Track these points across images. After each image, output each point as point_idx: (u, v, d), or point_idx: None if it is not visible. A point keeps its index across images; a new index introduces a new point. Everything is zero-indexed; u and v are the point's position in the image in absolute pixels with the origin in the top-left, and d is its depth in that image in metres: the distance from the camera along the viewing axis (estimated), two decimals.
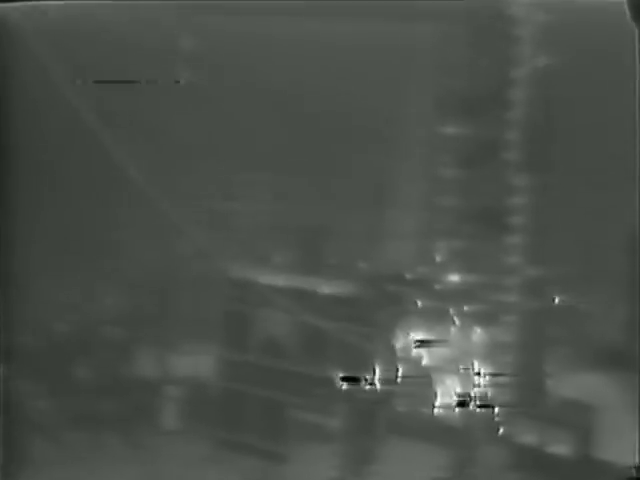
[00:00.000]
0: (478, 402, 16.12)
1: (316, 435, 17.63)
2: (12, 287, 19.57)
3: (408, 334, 17.23)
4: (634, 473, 11.93)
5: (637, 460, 11.92)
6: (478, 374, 16.28)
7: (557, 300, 15.99)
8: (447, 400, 16.47)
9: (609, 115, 14.93)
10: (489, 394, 16.09)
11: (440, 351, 16.79)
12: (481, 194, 16.50)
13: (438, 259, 17.16)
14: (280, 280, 18.88)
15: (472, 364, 16.39)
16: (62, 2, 16.64)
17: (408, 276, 17.62)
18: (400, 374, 17.06)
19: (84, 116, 17.29)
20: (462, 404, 16.22)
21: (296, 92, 18.25)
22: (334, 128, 17.97)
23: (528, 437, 15.45)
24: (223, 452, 18.34)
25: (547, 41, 15.49)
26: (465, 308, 16.74)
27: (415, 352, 17.07)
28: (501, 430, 15.74)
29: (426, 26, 17.08)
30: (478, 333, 16.56)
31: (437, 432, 16.48)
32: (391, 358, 17.30)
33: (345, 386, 17.34)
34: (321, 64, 17.87)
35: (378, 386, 17.19)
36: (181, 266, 19.50)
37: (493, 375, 16.14)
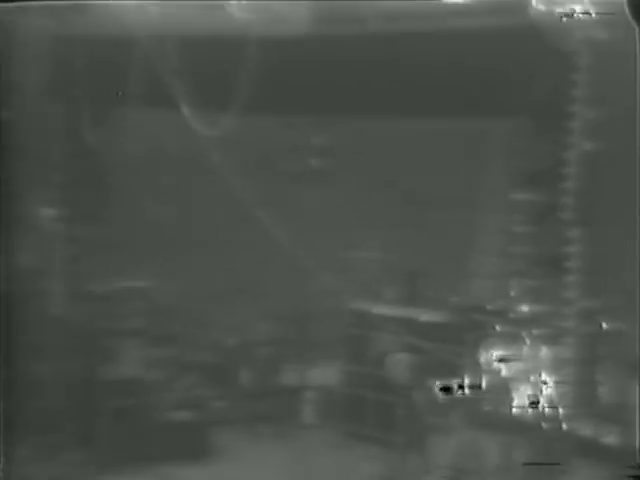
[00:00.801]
0: (546, 404, 15.97)
1: (418, 428, 17.55)
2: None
3: (489, 352, 17.08)
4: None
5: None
6: (545, 382, 16.12)
7: (604, 325, 15.90)
8: (521, 402, 16.28)
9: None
10: (554, 397, 15.94)
11: (515, 365, 16.61)
12: (544, 244, 16.41)
13: (512, 294, 17.09)
14: (389, 310, 18.99)
15: (540, 374, 16.23)
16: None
17: (489, 307, 17.60)
18: (484, 383, 16.87)
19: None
20: (533, 405, 16.08)
21: (400, 174, 18.44)
22: (431, 198, 18.04)
23: (586, 431, 15.44)
24: (350, 441, 18.35)
25: (594, 132, 15.46)
26: (533, 331, 16.58)
27: (495, 365, 16.89)
28: (564, 425, 15.69)
29: (498, 120, 17.21)
30: (544, 351, 16.41)
31: (514, 427, 16.33)
32: (477, 370, 17.12)
33: (442, 393, 17.10)
34: (420, 150, 17.83)
35: (467, 392, 16.96)
36: (314, 301, 19.79)
37: (556, 383, 16.01)
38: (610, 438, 14.61)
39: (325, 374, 19.44)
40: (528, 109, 16.09)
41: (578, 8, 14.38)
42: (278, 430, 18.79)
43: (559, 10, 14.65)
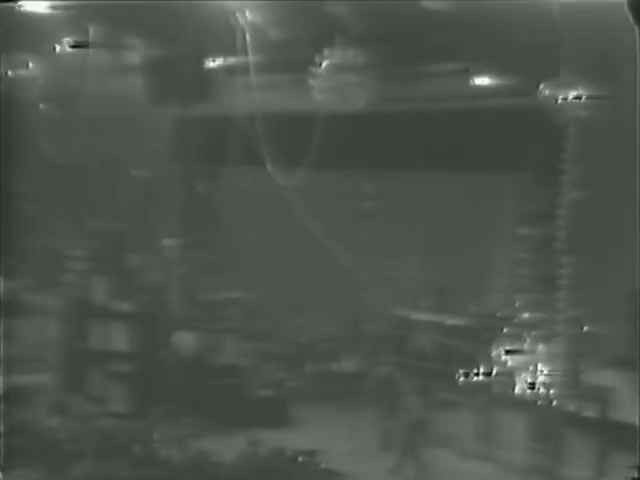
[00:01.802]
0: (541, 387, 15.73)
1: (446, 406, 17.49)
2: None
3: (499, 348, 16.80)
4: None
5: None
6: (540, 371, 15.86)
7: (585, 328, 15.59)
8: (523, 385, 16.03)
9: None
10: (547, 382, 15.68)
11: (518, 357, 16.30)
12: (542, 267, 16.02)
13: (517, 304, 16.68)
14: (423, 316, 19.11)
15: (537, 365, 15.97)
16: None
17: (499, 314, 17.38)
18: (494, 371, 16.69)
19: None
20: (532, 387, 15.82)
21: (433, 214, 18.53)
22: (457, 232, 18.02)
23: (571, 407, 15.05)
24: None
25: (579, 184, 15.14)
26: (532, 333, 16.26)
27: (503, 358, 16.62)
28: (554, 402, 15.38)
29: (508, 175, 16.89)
30: (540, 347, 16.09)
31: (517, 403, 16.08)
32: (489, 361, 16.95)
33: (462, 378, 17.05)
34: (449, 197, 18.16)
35: (481, 379, 16.88)
36: (367, 309, 19.65)
37: (549, 371, 15.73)
38: (589, 412, 14.24)
39: (373, 362, 19.07)
40: (531, 167, 15.89)
41: (572, 94, 14.10)
42: (339, 406, 18.60)
43: (557, 94, 14.40)
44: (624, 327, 14.37)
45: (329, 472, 15.10)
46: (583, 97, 14.23)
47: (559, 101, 14.47)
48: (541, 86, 14.68)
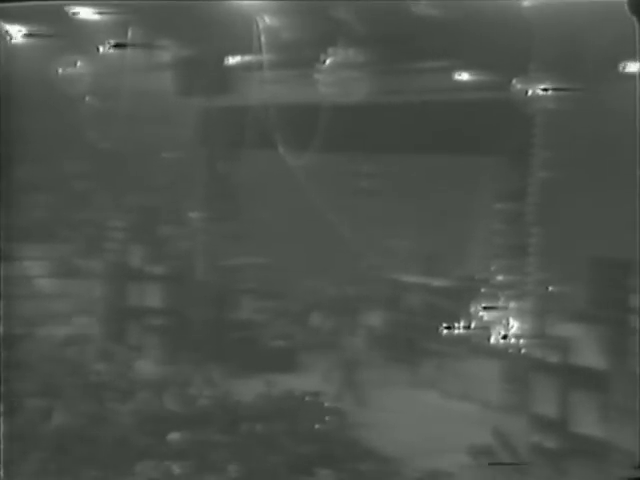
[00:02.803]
0: (512, 337, 15.75)
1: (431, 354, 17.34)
2: None
3: (477, 305, 16.85)
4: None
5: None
6: (512, 325, 15.90)
7: (550, 288, 15.56)
8: (497, 337, 16.08)
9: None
10: (517, 333, 15.68)
11: (493, 313, 16.39)
12: (514, 237, 16.12)
13: (493, 269, 16.79)
14: (414, 279, 18.82)
15: (509, 319, 16.01)
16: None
17: (477, 277, 17.40)
18: (473, 324, 16.75)
19: None
20: (504, 338, 15.87)
21: (422, 192, 18.17)
22: (442, 207, 17.58)
23: (537, 353, 14.56)
24: (386, 363, 17.96)
25: (547, 165, 15.14)
26: (505, 292, 16.34)
27: (481, 313, 16.70)
28: (523, 350, 15.30)
29: (486, 158, 16.85)
30: (512, 305, 16.15)
31: (492, 351, 16.09)
32: (469, 317, 16.98)
33: (446, 331, 16.95)
34: (436, 176, 17.67)
35: (461, 331, 16.87)
36: (364, 273, 19.27)
37: (519, 325, 15.75)
38: (553, 359, 13.74)
39: (372, 318, 19.08)
40: (505, 150, 15.92)
41: (540, 87, 14.15)
42: (339, 354, 17.96)
43: (527, 88, 14.48)
44: (583, 288, 14.19)
45: (331, 409, 15.06)
46: (549, 90, 14.27)
47: (529, 94, 14.53)
48: (514, 81, 14.76)
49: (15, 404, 13.90)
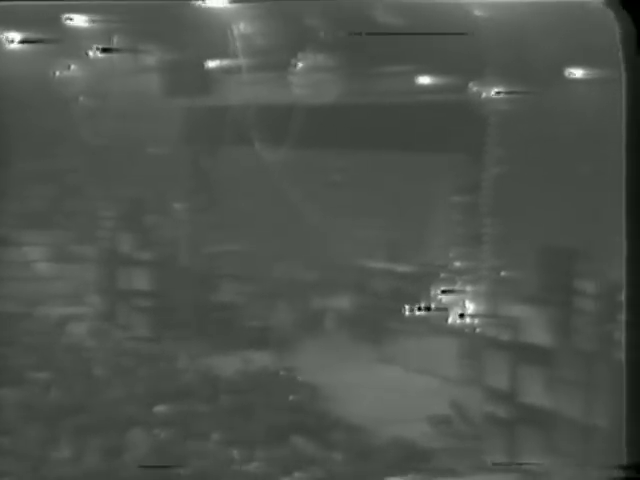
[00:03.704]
0: (468, 317, 15.79)
1: (395, 333, 17.28)
2: None
3: (436, 288, 16.92)
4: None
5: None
6: (467, 306, 15.93)
7: (503, 273, 15.28)
8: (454, 317, 16.13)
9: None
10: (473, 314, 15.72)
11: (451, 296, 16.46)
12: (470, 227, 16.09)
13: (450, 255, 16.83)
14: (379, 265, 18.83)
15: (465, 301, 16.10)
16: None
17: (437, 263, 17.31)
18: (433, 306, 16.80)
19: None
20: (461, 317, 15.90)
21: (387, 185, 17.95)
22: (405, 199, 17.42)
23: (491, 332, 14.20)
24: (353, 341, 18.02)
25: (499, 161, 15.03)
26: (462, 277, 16.41)
27: (440, 296, 16.77)
28: (478, 329, 15.21)
29: (444, 155, 16.92)
30: (468, 288, 16.20)
31: (450, 330, 16.10)
32: (428, 298, 17.00)
33: (408, 312, 16.90)
34: (400, 171, 17.57)
35: (422, 312, 16.86)
36: (334, 259, 18.64)
37: (475, 307, 15.77)
38: (505, 337, 13.54)
39: (340, 301, 19.15)
40: (462, 148, 15.93)
41: (494, 90, 14.20)
42: (312, 333, 18.42)
43: (482, 91, 14.54)
44: (533, 273, 14.11)
45: (304, 383, 15.08)
46: (502, 93, 14.33)
47: (483, 96, 14.60)
48: (470, 84, 14.83)
49: (16, 378, 13.89)
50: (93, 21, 14.35)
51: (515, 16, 11.44)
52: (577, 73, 14.34)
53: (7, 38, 15.02)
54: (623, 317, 10.12)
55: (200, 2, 12.41)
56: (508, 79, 14.17)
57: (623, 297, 10.24)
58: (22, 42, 14.91)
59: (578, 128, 13.65)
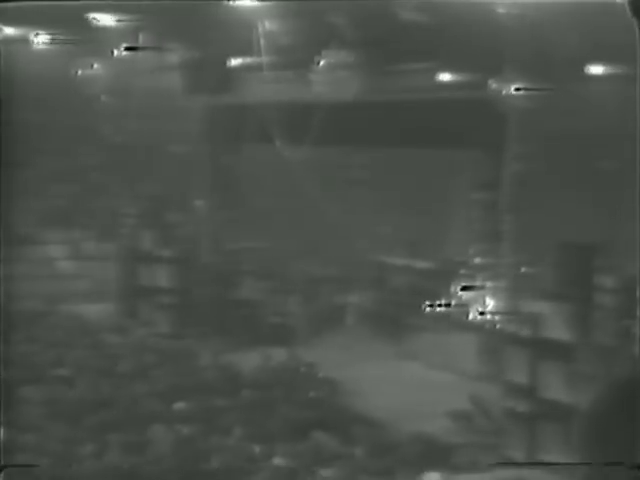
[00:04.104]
0: (488, 314, 15.75)
1: (415, 329, 17.25)
2: None
3: (456, 285, 16.99)
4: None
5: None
6: (488, 302, 15.89)
7: (522, 269, 15.37)
8: (475, 313, 16.23)
9: None
10: (493, 310, 15.64)
11: (471, 292, 16.49)
12: (490, 223, 16.31)
13: (470, 252, 17.10)
14: (398, 261, 18.93)
15: (485, 298, 16.05)
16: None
17: (457, 259, 17.55)
18: (453, 302, 16.84)
19: None
20: (481, 314, 15.94)
21: (407, 181, 18.34)
22: (425, 196, 17.87)
23: (511, 328, 13.80)
24: (373, 336, 18.03)
25: (519, 159, 14.90)
26: (482, 274, 16.48)
27: (460, 292, 16.82)
28: (498, 325, 15.04)
29: (464, 152, 17.21)
30: (488, 284, 16.20)
31: (470, 326, 16.23)
32: (449, 295, 17.09)
33: (428, 308, 17.03)
34: (419, 167, 18.00)
35: (442, 309, 16.99)
36: (353, 255, 18.98)
37: (495, 303, 15.63)
38: (525, 333, 13.26)
39: (360, 297, 19.21)
40: (481, 145, 16.14)
41: (513, 87, 14.14)
42: (332, 329, 18.51)
43: (502, 87, 14.52)
44: (552, 269, 14.00)
45: (325, 379, 15.10)
46: (522, 90, 14.29)
47: (503, 93, 14.57)
48: (490, 81, 14.88)
49: (39, 375, 14.03)
50: (118, 20, 14.43)
51: (535, 14, 11.43)
52: (596, 70, 14.31)
53: (34, 39, 15.13)
54: (638, 312, 10.24)
55: (226, 0, 12.41)
56: (528, 76, 14.17)
57: (638, 293, 10.38)
58: (49, 43, 14.97)
59: (596, 125, 13.78)
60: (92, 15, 13.82)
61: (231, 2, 12.71)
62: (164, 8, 13.47)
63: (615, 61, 14.05)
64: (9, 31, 15.27)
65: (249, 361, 15.61)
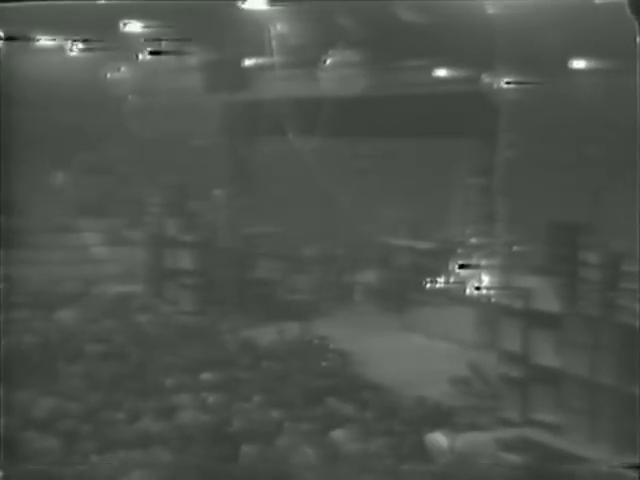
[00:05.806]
0: (484, 289, 15.79)
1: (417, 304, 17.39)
2: None
3: (454, 263, 17.10)
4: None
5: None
6: (483, 279, 15.94)
7: (515, 248, 15.34)
8: (471, 288, 16.29)
9: None
10: (488, 285, 15.65)
11: (468, 270, 16.53)
12: (485, 206, 16.20)
13: (467, 232, 16.95)
14: (401, 242, 19.00)
15: (481, 274, 16.10)
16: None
17: (455, 240, 17.43)
18: (452, 279, 17.02)
19: None
20: (477, 289, 15.98)
21: (409, 170, 18.40)
22: (425, 182, 17.71)
23: (504, 301, 13.38)
24: (379, 310, 18.35)
25: (511, 146, 14.87)
26: (478, 253, 16.43)
27: (458, 270, 16.94)
28: (492, 299, 14.92)
29: (461, 140, 16.88)
30: (483, 262, 16.19)
31: (467, 300, 16.31)
32: (448, 272, 17.26)
33: (429, 285, 17.43)
34: (419, 157, 18.00)
35: (442, 285, 17.26)
36: (359, 237, 19.15)
37: (490, 279, 15.71)
38: (517, 305, 13.08)
39: (367, 276, 19.29)
40: (476, 134, 16.06)
41: (505, 81, 14.20)
42: (342, 305, 18.64)
43: (495, 81, 14.55)
44: (542, 247, 13.72)
45: (336, 350, 15.17)
46: (512, 83, 14.36)
47: (495, 86, 14.63)
48: (483, 76, 14.92)
49: (78, 350, 14.20)
50: (142, 27, 14.45)
51: (524, 13, 11.42)
52: (582, 64, 14.26)
53: (69, 46, 15.21)
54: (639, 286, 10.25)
55: (240, 3, 12.41)
56: (518, 70, 14.22)
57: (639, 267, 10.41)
58: (83, 50, 15.04)
59: (581, 115, 13.78)
60: (121, 22, 13.83)
61: (242, 4, 12.65)
62: (182, 12, 13.45)
63: (597, 56, 14.02)
64: (44, 41, 15.41)
65: (266, 335, 15.70)
